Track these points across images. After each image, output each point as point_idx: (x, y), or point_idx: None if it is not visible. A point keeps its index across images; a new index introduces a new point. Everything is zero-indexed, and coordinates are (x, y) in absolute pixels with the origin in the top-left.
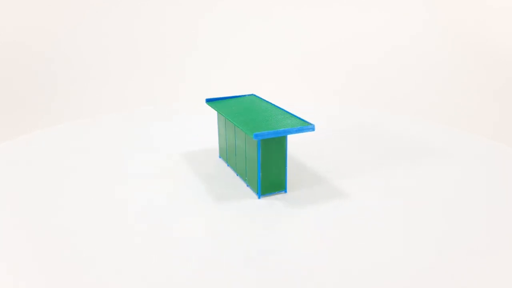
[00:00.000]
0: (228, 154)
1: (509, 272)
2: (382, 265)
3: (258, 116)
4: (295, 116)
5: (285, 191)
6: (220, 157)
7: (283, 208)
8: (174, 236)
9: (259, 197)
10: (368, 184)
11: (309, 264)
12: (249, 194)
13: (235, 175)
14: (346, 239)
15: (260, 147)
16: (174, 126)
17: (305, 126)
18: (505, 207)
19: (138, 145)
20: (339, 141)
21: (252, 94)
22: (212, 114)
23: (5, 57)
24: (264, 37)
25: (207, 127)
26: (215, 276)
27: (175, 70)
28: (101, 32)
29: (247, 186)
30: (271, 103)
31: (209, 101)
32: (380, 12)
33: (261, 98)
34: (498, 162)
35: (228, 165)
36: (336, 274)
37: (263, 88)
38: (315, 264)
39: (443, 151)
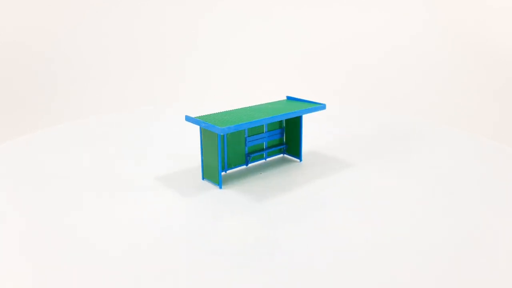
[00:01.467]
0: None
1: (509, 271)
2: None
3: (257, 114)
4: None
5: (220, 187)
6: None
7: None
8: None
9: (202, 179)
10: (367, 184)
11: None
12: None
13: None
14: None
15: (201, 133)
16: (174, 126)
17: (214, 126)
18: (505, 207)
19: (138, 145)
20: (339, 140)
21: (323, 104)
22: None
23: (5, 57)
24: (264, 37)
25: None
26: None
27: (175, 70)
28: (101, 32)
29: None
30: (299, 115)
31: (289, 99)
32: (380, 12)
33: (315, 109)
34: (499, 162)
35: None
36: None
37: (263, 88)
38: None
39: (443, 151)
